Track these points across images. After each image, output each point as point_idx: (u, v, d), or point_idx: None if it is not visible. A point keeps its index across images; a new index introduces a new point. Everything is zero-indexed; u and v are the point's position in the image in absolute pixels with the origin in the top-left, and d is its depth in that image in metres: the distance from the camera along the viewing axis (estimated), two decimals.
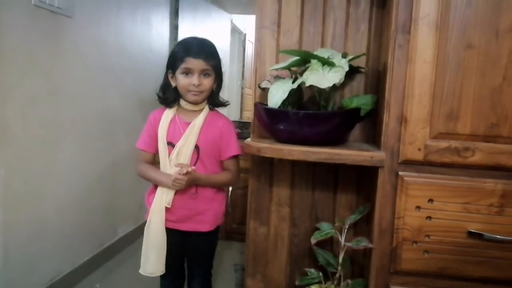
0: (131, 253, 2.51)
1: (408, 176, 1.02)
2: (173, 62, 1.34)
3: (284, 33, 1.30)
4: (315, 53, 1.12)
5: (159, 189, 1.36)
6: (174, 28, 3.04)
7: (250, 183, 1.36)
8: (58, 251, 1.94)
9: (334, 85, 1.07)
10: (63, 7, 1.82)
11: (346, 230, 1.17)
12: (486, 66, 0.96)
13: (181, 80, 1.32)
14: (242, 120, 3.27)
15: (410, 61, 0.99)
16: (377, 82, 1.26)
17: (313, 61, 1.10)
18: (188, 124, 1.36)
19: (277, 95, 1.12)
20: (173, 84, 1.37)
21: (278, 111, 1.12)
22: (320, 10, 1.29)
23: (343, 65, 1.09)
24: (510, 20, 0.95)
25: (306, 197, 1.35)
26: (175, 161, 1.34)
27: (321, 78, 1.07)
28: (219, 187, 1.44)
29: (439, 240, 1.02)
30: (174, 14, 3.04)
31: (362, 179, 1.31)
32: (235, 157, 1.41)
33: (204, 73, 1.32)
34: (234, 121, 1.47)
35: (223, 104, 1.44)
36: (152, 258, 1.36)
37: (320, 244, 1.21)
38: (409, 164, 1.02)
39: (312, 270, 1.23)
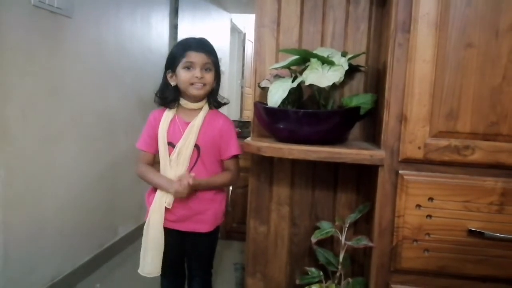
0: (131, 253, 2.51)
1: (408, 174, 1.02)
2: (173, 59, 1.34)
3: (284, 32, 1.30)
4: (314, 52, 1.12)
5: (158, 190, 1.36)
6: (173, 28, 3.04)
7: (250, 182, 1.36)
8: (58, 251, 1.94)
9: (333, 84, 1.07)
10: (63, 7, 1.82)
11: (346, 229, 1.17)
12: (486, 65, 0.96)
13: (183, 75, 1.32)
14: (242, 119, 3.27)
15: (410, 60, 0.99)
16: (376, 81, 1.26)
17: (313, 60, 1.10)
18: (187, 124, 1.36)
19: (276, 94, 1.12)
20: (173, 83, 1.37)
21: (278, 110, 1.12)
22: (320, 9, 1.29)
23: (342, 64, 1.09)
24: (509, 20, 0.95)
25: (306, 196, 1.35)
26: (175, 161, 1.34)
27: (320, 77, 1.07)
28: (219, 189, 1.44)
29: (439, 239, 1.02)
30: (174, 14, 3.04)
31: (362, 178, 1.31)
32: (235, 156, 1.41)
33: (205, 67, 1.33)
34: (234, 121, 1.47)
35: (223, 103, 1.44)
36: (150, 259, 1.36)
37: (320, 243, 1.21)
38: (409, 162, 1.02)
39: (313, 269, 1.23)
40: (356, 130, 1.29)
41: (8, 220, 1.62)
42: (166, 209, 1.35)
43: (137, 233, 2.67)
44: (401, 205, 1.02)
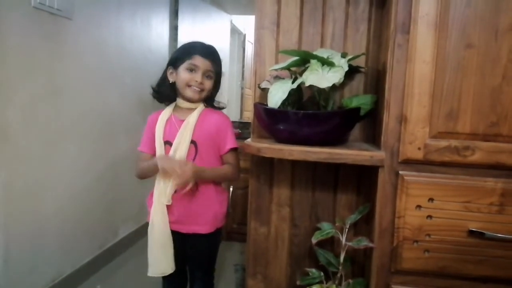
0: (132, 254, 2.51)
1: (408, 175, 1.02)
2: (178, 57, 1.36)
3: (284, 34, 1.30)
4: (314, 53, 1.12)
5: (156, 189, 1.37)
6: (173, 29, 3.05)
7: (250, 183, 1.36)
8: (59, 252, 1.94)
9: (333, 85, 1.07)
10: (63, 9, 1.82)
11: (347, 230, 1.17)
12: (486, 66, 0.96)
13: (183, 75, 1.34)
14: (242, 121, 3.27)
15: (410, 61, 0.99)
16: (376, 82, 1.26)
17: (313, 61, 1.10)
18: (182, 121, 1.37)
19: (276, 95, 1.12)
20: (171, 80, 1.38)
21: (278, 111, 1.12)
22: (320, 10, 1.29)
23: (342, 65, 1.09)
24: (509, 20, 0.95)
25: (306, 197, 1.35)
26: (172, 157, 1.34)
27: (320, 78, 1.07)
28: (221, 188, 1.44)
29: (440, 239, 1.02)
30: (174, 15, 3.04)
31: (362, 179, 1.31)
32: (234, 150, 1.41)
33: (207, 74, 1.35)
34: (234, 122, 1.48)
35: (219, 108, 1.46)
36: (161, 259, 1.36)
37: (321, 244, 1.21)
38: (409, 163, 1.02)
39: (313, 270, 1.23)
40: (356, 131, 1.29)
41: (9, 221, 1.62)
42: (167, 209, 1.35)
43: (137, 234, 2.67)
44: (401, 206, 1.02)
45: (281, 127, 1.13)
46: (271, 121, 1.15)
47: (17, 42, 1.60)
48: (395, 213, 1.03)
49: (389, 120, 1.02)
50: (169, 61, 1.40)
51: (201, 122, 1.38)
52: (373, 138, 1.26)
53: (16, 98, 1.62)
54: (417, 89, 0.99)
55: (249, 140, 1.23)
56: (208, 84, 1.36)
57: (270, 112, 1.14)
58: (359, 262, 1.30)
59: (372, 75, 1.28)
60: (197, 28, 3.21)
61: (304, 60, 1.14)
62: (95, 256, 2.25)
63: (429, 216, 1.02)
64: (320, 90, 1.16)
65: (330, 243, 1.32)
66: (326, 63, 1.09)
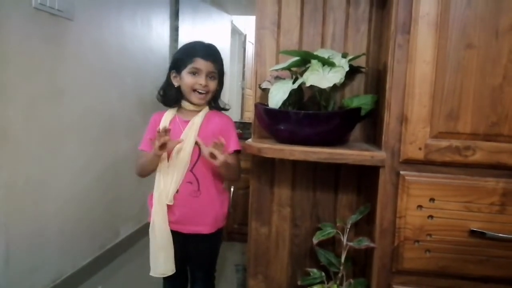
0: (133, 254, 2.51)
1: (409, 175, 1.02)
2: (180, 61, 1.36)
3: (284, 34, 1.31)
4: (315, 53, 1.12)
5: (157, 189, 1.37)
6: (174, 30, 3.05)
7: (251, 183, 1.37)
8: (60, 252, 1.95)
9: (334, 85, 1.07)
10: (64, 10, 1.82)
11: (347, 230, 1.17)
12: (486, 66, 0.96)
13: (187, 79, 1.34)
14: (243, 121, 3.27)
15: (410, 61, 0.99)
16: (377, 82, 1.26)
17: (313, 62, 1.10)
18: (187, 122, 1.37)
19: (277, 96, 1.12)
20: (176, 84, 1.38)
21: (279, 112, 1.12)
22: (320, 11, 1.29)
23: (343, 65, 1.10)
24: (509, 20, 0.95)
25: (307, 197, 1.35)
26: (175, 159, 1.34)
27: (321, 78, 1.07)
28: (222, 188, 1.44)
29: (441, 239, 1.02)
30: (174, 16, 3.05)
31: (363, 179, 1.31)
32: (236, 152, 1.41)
33: (210, 75, 1.35)
34: (235, 122, 1.48)
35: (224, 109, 1.46)
36: (162, 259, 1.36)
37: (322, 244, 1.21)
38: (410, 163, 1.02)
39: (315, 270, 1.23)
40: (356, 131, 1.30)
41: (10, 221, 1.63)
42: (168, 210, 1.35)
43: (139, 234, 2.68)
44: (402, 206, 1.02)
45: (282, 127, 1.13)
46: (272, 121, 1.15)
47: (18, 43, 1.60)
48: (396, 213, 1.03)
49: (389, 120, 1.03)
50: (171, 64, 1.40)
51: (205, 123, 1.38)
52: (374, 138, 1.26)
53: (17, 98, 1.62)
54: (417, 89, 0.99)
55: (250, 140, 1.23)
56: (212, 85, 1.37)
57: (271, 112, 1.14)
58: (360, 262, 1.30)
59: (373, 75, 1.28)
60: (197, 28, 3.21)
61: (304, 61, 1.14)
62: (96, 256, 2.25)
63: (430, 216, 1.02)
64: (321, 90, 1.16)
65: (331, 243, 1.32)
66: (326, 63, 1.10)
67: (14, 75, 1.60)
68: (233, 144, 1.39)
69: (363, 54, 1.25)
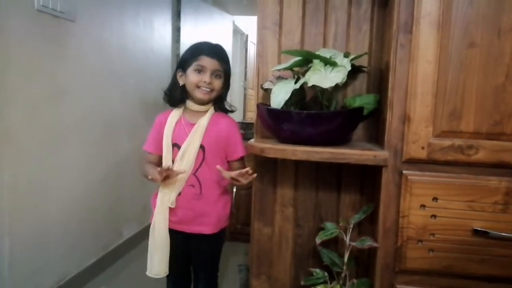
0: (136, 255, 2.51)
1: (412, 175, 1.02)
2: (186, 60, 1.36)
3: (286, 34, 1.31)
4: (317, 53, 1.12)
5: (161, 190, 1.37)
6: (176, 30, 3.05)
7: (253, 184, 1.37)
8: (63, 253, 1.95)
9: (336, 85, 1.07)
10: (66, 11, 1.83)
11: (350, 229, 1.17)
12: (489, 65, 0.96)
13: (191, 77, 1.34)
14: (245, 121, 3.27)
15: (412, 61, 0.99)
16: (379, 82, 1.26)
17: (315, 61, 1.10)
18: (192, 125, 1.37)
19: (279, 96, 1.12)
20: (181, 83, 1.38)
21: (281, 112, 1.12)
22: (322, 10, 1.29)
23: (345, 65, 1.09)
24: None
25: (309, 197, 1.35)
26: (179, 162, 1.34)
27: (323, 78, 1.07)
28: (225, 189, 1.44)
29: (444, 239, 1.02)
30: (176, 16, 3.05)
31: (366, 179, 1.31)
32: (242, 157, 1.42)
33: (215, 74, 1.35)
34: (237, 122, 1.48)
35: (230, 110, 1.46)
36: (157, 260, 1.36)
37: (325, 244, 1.21)
38: (413, 163, 1.02)
39: (318, 270, 1.23)
40: (359, 131, 1.29)
41: (13, 223, 1.63)
42: (170, 210, 1.35)
43: (141, 235, 2.68)
44: (405, 205, 1.02)
45: (284, 127, 1.13)
46: (274, 122, 1.15)
47: (21, 44, 1.61)
48: (399, 212, 1.03)
49: (392, 119, 1.02)
50: (178, 64, 1.41)
51: (210, 126, 1.37)
52: (376, 137, 1.26)
53: (19, 99, 1.63)
54: (420, 89, 0.99)
55: (252, 140, 1.23)
56: (217, 83, 1.36)
57: (273, 112, 1.14)
58: (363, 262, 1.30)
59: (375, 74, 1.28)
60: (199, 29, 3.22)
61: (306, 60, 1.14)
62: (99, 257, 2.25)
63: (433, 216, 1.01)
64: (323, 90, 1.16)
65: (334, 243, 1.32)
66: (328, 63, 1.09)
67: (16, 76, 1.60)
68: (240, 151, 1.40)
69: (365, 53, 1.25)
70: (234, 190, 2.55)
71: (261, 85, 1.29)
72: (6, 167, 1.59)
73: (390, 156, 1.04)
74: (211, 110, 1.40)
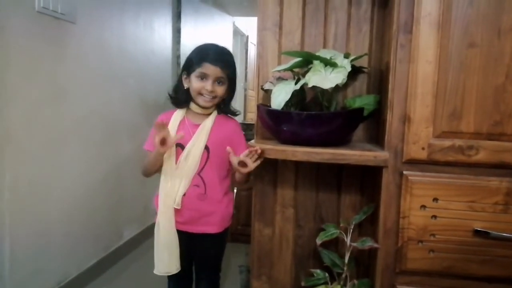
0: (137, 256, 2.52)
1: (412, 175, 1.02)
2: (190, 64, 1.35)
3: (286, 35, 1.31)
4: (317, 54, 1.12)
5: (162, 190, 1.37)
6: (176, 32, 3.06)
7: (254, 184, 1.37)
8: (64, 254, 1.95)
9: (336, 86, 1.07)
10: (66, 13, 1.83)
11: (351, 230, 1.17)
12: (489, 65, 0.96)
13: (194, 83, 1.33)
14: (246, 122, 3.27)
15: (412, 61, 0.99)
16: (379, 82, 1.26)
17: (316, 62, 1.10)
18: (196, 126, 1.36)
19: (279, 97, 1.12)
20: (186, 86, 1.38)
21: (281, 113, 1.12)
22: (322, 11, 1.29)
23: (345, 66, 1.10)
24: None
25: (310, 198, 1.35)
26: (184, 163, 1.34)
27: (323, 79, 1.07)
28: (228, 189, 1.44)
29: (445, 239, 1.01)
30: (176, 18, 3.05)
31: (366, 179, 1.31)
32: None
33: (218, 80, 1.33)
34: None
35: (234, 114, 1.45)
36: (166, 258, 1.36)
37: (325, 245, 1.20)
38: (413, 163, 1.02)
39: (318, 271, 1.23)
40: (359, 132, 1.29)
41: (14, 224, 1.63)
42: (175, 211, 1.36)
43: (142, 236, 2.68)
44: (405, 206, 1.02)
45: (285, 128, 1.13)
46: (274, 122, 1.15)
47: (21, 46, 1.61)
48: (399, 213, 1.03)
49: (392, 120, 1.02)
50: (183, 66, 1.39)
51: (215, 128, 1.37)
52: (377, 138, 1.26)
53: (20, 100, 1.63)
54: (420, 89, 0.99)
55: (252, 141, 1.23)
56: (220, 90, 1.34)
57: (273, 113, 1.14)
58: (364, 263, 1.30)
59: (375, 75, 1.28)
60: (199, 30, 3.22)
61: (306, 61, 1.14)
62: (100, 258, 2.25)
63: (434, 216, 1.01)
64: (323, 91, 1.16)
65: (335, 244, 1.32)
66: (329, 63, 1.10)
67: (17, 77, 1.61)
68: (243, 151, 1.40)
69: (365, 54, 1.25)
70: (235, 191, 2.55)
71: (261, 86, 1.29)
72: (7, 168, 1.59)
73: (391, 157, 1.04)
74: (215, 112, 1.40)
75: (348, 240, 1.16)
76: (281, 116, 1.12)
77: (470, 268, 1.02)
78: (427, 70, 0.98)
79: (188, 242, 1.42)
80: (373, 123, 1.27)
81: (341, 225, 1.21)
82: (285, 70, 1.18)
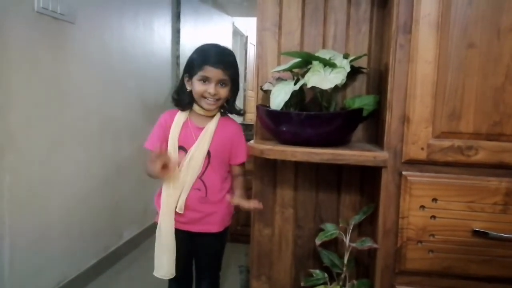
0: (136, 256, 2.52)
1: (411, 175, 1.02)
2: (191, 67, 1.34)
3: (286, 35, 1.31)
4: (316, 54, 1.12)
5: (165, 191, 1.37)
6: (176, 32, 3.06)
7: (253, 185, 1.37)
8: (64, 255, 1.95)
9: (336, 86, 1.07)
10: (66, 13, 1.83)
11: (350, 230, 1.17)
12: (488, 65, 0.96)
13: (197, 87, 1.32)
14: (245, 122, 3.27)
15: (412, 61, 0.99)
16: (379, 83, 1.26)
17: (315, 63, 1.10)
18: (200, 129, 1.36)
19: (279, 97, 1.12)
20: (189, 88, 1.37)
21: (280, 113, 1.12)
22: (321, 11, 1.29)
23: (344, 66, 1.10)
24: (511, 19, 0.94)
25: (309, 198, 1.35)
26: (187, 166, 1.34)
27: (322, 79, 1.07)
28: (229, 189, 1.45)
29: (444, 240, 1.01)
30: (176, 18, 3.05)
31: (366, 180, 1.31)
32: (243, 162, 1.44)
33: (221, 82, 1.32)
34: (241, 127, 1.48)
35: (238, 113, 1.45)
36: (165, 262, 1.37)
37: (325, 245, 1.21)
38: (413, 163, 1.02)
39: (317, 271, 1.23)
40: (359, 132, 1.29)
41: (14, 224, 1.63)
42: (177, 212, 1.36)
43: (142, 237, 2.68)
44: (405, 206, 1.02)
45: (284, 129, 1.13)
46: (273, 123, 1.15)
47: (21, 46, 1.61)
48: (398, 213, 1.03)
49: (391, 120, 1.02)
50: (185, 67, 1.38)
51: (218, 131, 1.37)
52: (376, 138, 1.26)
53: (20, 102, 1.63)
54: (419, 89, 0.99)
55: (252, 142, 1.23)
56: (223, 92, 1.33)
57: (273, 113, 1.14)
58: (363, 263, 1.30)
59: (374, 75, 1.28)
60: (199, 30, 3.22)
61: (306, 62, 1.14)
62: (100, 258, 2.25)
63: (433, 216, 1.01)
64: (323, 91, 1.16)
65: (334, 244, 1.32)
66: (328, 64, 1.10)
67: (17, 78, 1.61)
68: (243, 156, 1.41)
69: (365, 54, 1.25)
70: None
71: (261, 86, 1.29)
72: (7, 169, 1.59)
73: (390, 157, 1.04)
74: (218, 114, 1.40)
75: (347, 241, 1.16)
76: (281, 116, 1.12)
77: (470, 268, 1.02)
78: (427, 71, 0.98)
79: (189, 241, 1.42)
80: (372, 123, 1.27)
81: (340, 225, 1.21)
82: (284, 70, 1.18)
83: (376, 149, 1.10)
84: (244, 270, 2.32)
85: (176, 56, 3.03)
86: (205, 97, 1.32)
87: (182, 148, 1.36)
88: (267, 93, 1.23)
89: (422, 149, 1.00)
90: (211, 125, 1.37)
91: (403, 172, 1.03)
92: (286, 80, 1.20)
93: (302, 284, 1.25)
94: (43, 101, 1.76)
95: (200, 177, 1.36)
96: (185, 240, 1.40)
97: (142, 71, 2.64)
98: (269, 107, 1.15)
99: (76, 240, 2.04)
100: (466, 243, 1.01)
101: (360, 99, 1.20)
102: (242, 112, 1.48)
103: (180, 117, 1.39)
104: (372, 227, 1.22)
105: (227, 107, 1.42)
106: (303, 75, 1.14)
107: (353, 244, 1.13)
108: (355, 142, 1.27)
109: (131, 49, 2.49)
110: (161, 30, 2.89)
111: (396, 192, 1.04)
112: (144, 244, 2.66)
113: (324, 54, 1.14)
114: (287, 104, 1.13)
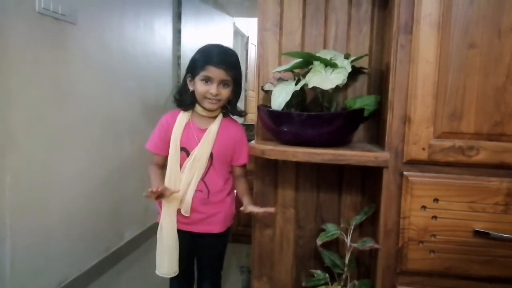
0: (138, 257, 2.52)
1: (412, 176, 1.02)
2: (194, 67, 1.33)
3: (286, 35, 1.31)
4: (317, 54, 1.12)
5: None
6: (177, 32, 3.06)
7: (255, 185, 1.37)
8: (65, 255, 1.95)
9: (337, 86, 1.07)
10: (67, 14, 1.83)
11: (351, 231, 1.17)
12: (489, 65, 0.96)
13: (199, 87, 1.32)
14: (246, 123, 3.27)
15: (413, 61, 0.99)
16: (380, 83, 1.26)
17: (316, 63, 1.11)
18: (202, 130, 1.36)
19: (280, 97, 1.12)
20: (191, 88, 1.36)
21: (282, 113, 1.12)
22: (322, 12, 1.29)
23: (345, 66, 1.10)
24: None
25: (311, 198, 1.35)
26: (189, 167, 1.34)
27: (324, 79, 1.07)
28: (230, 189, 1.45)
29: (445, 240, 1.01)
30: (177, 18, 3.05)
31: (367, 180, 1.31)
32: (245, 164, 1.44)
33: (223, 83, 1.31)
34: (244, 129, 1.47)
35: (240, 114, 1.45)
36: (166, 261, 1.37)
37: (326, 245, 1.21)
38: (414, 164, 1.02)
39: (319, 271, 1.24)
40: (360, 132, 1.29)
41: (15, 225, 1.63)
42: (179, 213, 1.36)
43: (143, 237, 2.68)
44: (406, 207, 1.02)
45: (285, 129, 1.13)
46: (274, 123, 1.16)
47: (22, 47, 1.61)
48: (400, 213, 1.03)
49: (393, 120, 1.02)
50: (187, 68, 1.38)
51: (220, 134, 1.37)
52: (377, 138, 1.26)
53: (21, 102, 1.63)
54: (420, 90, 0.99)
55: (253, 142, 1.23)
56: (225, 92, 1.32)
57: (274, 114, 1.14)
58: (364, 263, 1.30)
59: (375, 76, 1.28)
60: (200, 31, 3.22)
61: (307, 62, 1.14)
62: (101, 259, 2.25)
63: (434, 217, 1.01)
64: (324, 92, 1.16)
65: (335, 244, 1.32)
66: (329, 64, 1.10)
67: (18, 78, 1.61)
68: (245, 158, 1.41)
69: (366, 54, 1.25)
70: (236, 192, 2.55)
71: (262, 86, 1.29)
72: (8, 169, 1.59)
73: (391, 157, 1.04)
74: (220, 115, 1.39)
75: (348, 241, 1.16)
76: (282, 116, 1.13)
77: (471, 269, 1.02)
78: (428, 71, 0.98)
79: (191, 241, 1.42)
80: (373, 123, 1.27)
81: (341, 225, 1.21)
82: (285, 70, 1.19)
83: (377, 150, 1.10)
84: (245, 270, 2.32)
85: (177, 56, 3.03)
86: (207, 97, 1.32)
87: (184, 150, 1.36)
88: (268, 93, 1.23)
89: (423, 149, 1.00)
90: (214, 127, 1.36)
91: (404, 172, 1.03)
92: (287, 80, 1.20)
93: (303, 284, 1.25)
94: (44, 101, 1.76)
95: (202, 179, 1.36)
96: (187, 241, 1.40)
97: (143, 71, 2.64)
98: (270, 107, 1.15)
99: (77, 240, 2.04)
100: (467, 244, 1.01)
101: (361, 99, 1.20)
102: (243, 114, 1.47)
103: (182, 118, 1.38)
104: (373, 228, 1.22)
105: (229, 108, 1.42)
106: (304, 76, 1.14)
107: (354, 245, 1.13)
108: (356, 142, 1.27)
109: (131, 50, 2.49)
110: (162, 30, 2.90)
111: (397, 192, 1.04)
112: (145, 245, 2.66)
113: (325, 54, 1.14)
114: (288, 104, 1.13)
